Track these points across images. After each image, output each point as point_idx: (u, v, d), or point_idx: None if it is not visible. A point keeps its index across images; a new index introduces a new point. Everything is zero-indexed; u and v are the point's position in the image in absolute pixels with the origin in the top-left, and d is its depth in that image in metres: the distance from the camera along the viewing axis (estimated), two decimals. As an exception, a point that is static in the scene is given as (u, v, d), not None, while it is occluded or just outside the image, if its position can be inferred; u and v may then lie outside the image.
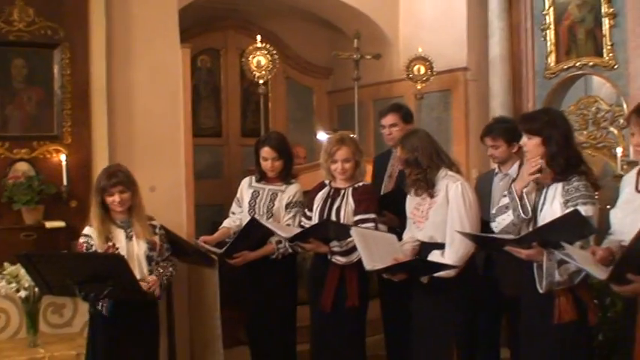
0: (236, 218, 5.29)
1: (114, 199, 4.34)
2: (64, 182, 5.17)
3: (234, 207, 5.36)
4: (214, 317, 5.36)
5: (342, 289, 4.66)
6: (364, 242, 4.28)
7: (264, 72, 6.82)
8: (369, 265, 4.22)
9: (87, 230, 4.39)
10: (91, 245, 4.33)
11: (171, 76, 5.80)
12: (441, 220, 4.29)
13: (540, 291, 3.83)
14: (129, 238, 4.42)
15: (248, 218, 5.08)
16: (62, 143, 5.30)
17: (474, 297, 4.43)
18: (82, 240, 4.37)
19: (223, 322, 5.34)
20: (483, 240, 4.14)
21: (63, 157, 5.23)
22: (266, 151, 5.13)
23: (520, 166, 4.99)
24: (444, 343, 4.31)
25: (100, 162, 5.33)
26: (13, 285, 4.73)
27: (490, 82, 7.23)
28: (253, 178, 5.30)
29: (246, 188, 5.29)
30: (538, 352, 3.98)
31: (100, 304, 4.15)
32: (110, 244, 4.35)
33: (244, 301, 5.34)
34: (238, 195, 5.34)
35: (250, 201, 5.19)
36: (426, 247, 4.36)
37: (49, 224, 5.06)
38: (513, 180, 4.53)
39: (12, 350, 4.79)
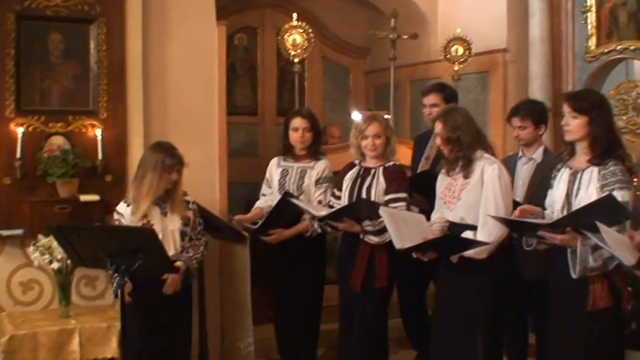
0: (267, 199, 5.31)
1: (172, 177, 4.42)
2: (99, 156, 5.20)
3: (264, 188, 5.38)
4: (245, 293, 5.42)
5: (371, 270, 4.66)
6: (393, 222, 4.27)
7: (299, 50, 6.79)
8: (398, 243, 4.21)
9: (120, 208, 4.43)
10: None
11: (207, 54, 5.79)
12: (474, 202, 4.25)
13: (574, 276, 3.80)
14: (164, 214, 4.46)
15: (278, 197, 5.11)
16: (98, 118, 5.31)
17: (502, 281, 4.40)
18: (115, 217, 4.43)
19: (252, 299, 5.39)
20: (517, 224, 4.08)
21: (98, 132, 5.25)
22: (298, 121, 5.14)
23: (545, 151, 4.94)
24: (471, 328, 4.30)
25: (135, 137, 5.39)
26: (47, 257, 4.82)
27: (529, 64, 7.15)
28: (281, 158, 5.31)
29: (274, 168, 5.31)
30: (569, 339, 3.96)
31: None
32: (145, 221, 4.39)
33: (272, 279, 5.39)
34: (267, 175, 5.35)
35: (280, 179, 5.21)
36: (455, 228, 4.33)
37: (83, 198, 5.08)
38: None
39: (44, 321, 4.88)
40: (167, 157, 4.39)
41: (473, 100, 7.41)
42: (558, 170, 4.10)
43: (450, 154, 4.36)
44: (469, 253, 4.19)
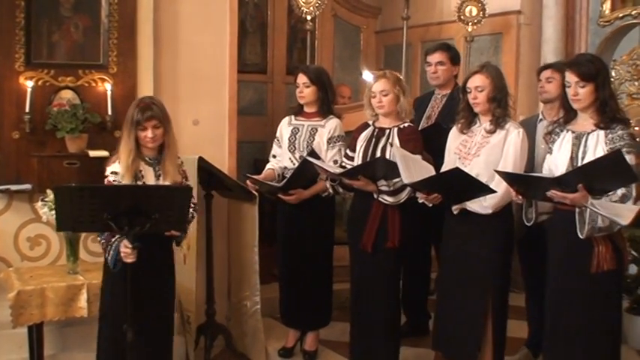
0: (278, 160, 5.27)
1: (146, 135, 4.06)
2: (109, 112, 5.15)
3: (274, 149, 5.33)
4: (252, 252, 5.37)
5: (383, 230, 4.63)
6: (405, 161, 4.28)
7: (311, 7, 6.70)
8: (407, 179, 4.22)
9: (114, 167, 4.12)
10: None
11: (219, 9, 5.73)
12: (493, 161, 4.24)
13: (581, 236, 3.81)
14: (157, 176, 4.20)
15: (288, 156, 5.13)
16: (108, 72, 5.27)
17: (511, 237, 4.42)
18: (110, 178, 4.11)
19: (259, 258, 5.36)
20: (522, 179, 4.05)
21: (108, 87, 5.20)
22: (298, 77, 5.12)
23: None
24: (483, 284, 4.33)
25: (145, 93, 5.29)
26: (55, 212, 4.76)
27: (543, 26, 7.06)
28: (292, 117, 5.26)
29: (285, 126, 5.27)
30: (569, 301, 3.99)
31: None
32: (140, 183, 4.14)
33: (279, 239, 5.36)
34: (278, 134, 5.31)
35: (290, 137, 5.18)
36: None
37: (92, 153, 5.04)
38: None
39: (52, 276, 4.86)
40: (136, 112, 4.07)
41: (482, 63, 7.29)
42: (557, 134, 4.10)
43: (494, 110, 4.32)
44: (473, 207, 4.21)
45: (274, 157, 5.32)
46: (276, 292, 5.50)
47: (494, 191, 4.10)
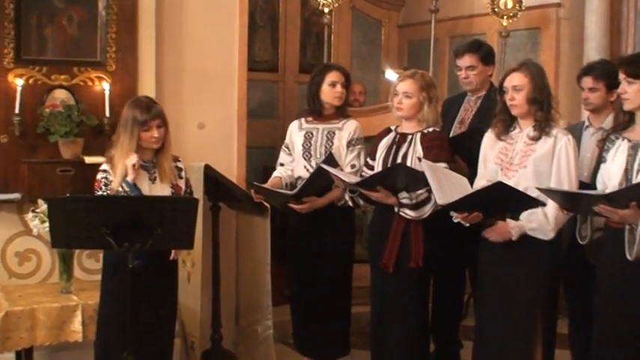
0: (287, 168, 5.23)
1: (152, 135, 4.21)
2: (107, 114, 5.12)
3: (282, 157, 5.29)
4: (264, 271, 5.39)
5: (405, 248, 4.60)
6: (436, 176, 4.21)
7: (330, -1, 6.70)
8: (441, 199, 4.15)
9: (105, 166, 4.26)
10: (110, 181, 4.20)
11: (227, 1, 5.74)
12: (543, 172, 4.17)
13: (629, 258, 3.80)
14: (152, 180, 4.28)
15: (302, 164, 5.08)
16: (105, 70, 5.26)
17: (559, 263, 4.37)
18: (99, 176, 4.21)
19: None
20: (569, 196, 4.01)
21: (106, 86, 5.18)
22: (335, 75, 5.07)
23: (616, 117, 4.83)
24: (530, 311, 4.25)
25: (147, 92, 5.23)
26: (47, 224, 4.73)
27: (585, 21, 7.06)
28: (302, 120, 5.22)
29: (296, 132, 5.22)
30: (619, 330, 3.96)
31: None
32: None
33: (292, 256, 5.32)
34: (287, 141, 5.27)
35: (304, 143, 5.14)
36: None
37: (88, 159, 5.00)
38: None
39: (43, 296, 4.85)
40: (140, 112, 4.19)
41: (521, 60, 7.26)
42: (613, 142, 4.06)
43: (524, 114, 4.27)
44: (536, 234, 4.13)
45: (282, 165, 5.28)
46: (288, 315, 5.46)
47: (544, 204, 4.04)
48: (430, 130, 4.65)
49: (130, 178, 4.16)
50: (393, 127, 4.79)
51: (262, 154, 7.66)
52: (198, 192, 4.94)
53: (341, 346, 5.23)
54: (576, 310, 4.97)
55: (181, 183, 4.41)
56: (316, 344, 5.23)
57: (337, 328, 5.18)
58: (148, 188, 4.29)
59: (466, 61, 5.32)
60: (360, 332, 5.56)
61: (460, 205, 4.14)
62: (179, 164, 4.45)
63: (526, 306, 4.25)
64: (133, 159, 4.14)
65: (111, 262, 4.27)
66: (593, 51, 6.92)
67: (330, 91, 5.06)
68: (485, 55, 5.35)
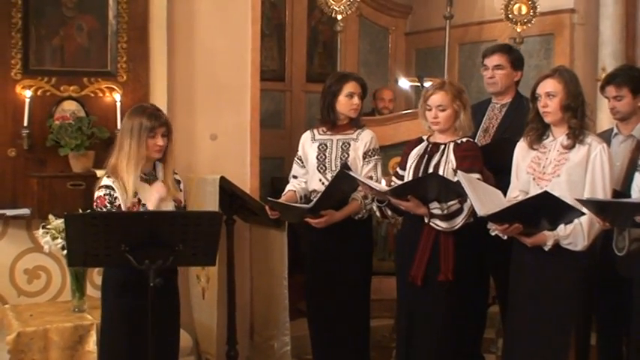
0: (300, 181, 5.09)
1: (156, 142, 4.02)
2: (118, 125, 5.00)
3: (295, 169, 5.14)
4: (280, 285, 5.34)
5: (434, 260, 4.48)
6: (472, 188, 4.11)
7: (342, 6, 6.57)
8: (481, 210, 4.04)
9: (107, 181, 4.00)
10: (115, 198, 3.97)
11: (239, 8, 5.67)
12: (577, 181, 4.08)
13: None
14: None
15: (317, 177, 4.94)
16: (116, 81, 5.22)
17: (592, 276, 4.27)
18: (101, 192, 3.97)
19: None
20: (609, 206, 3.91)
21: (117, 97, 5.13)
22: (352, 86, 4.91)
23: None
24: (563, 325, 4.16)
25: (158, 103, 5.05)
26: (59, 241, 4.62)
27: (600, 26, 7.02)
28: (315, 131, 5.08)
29: (309, 144, 5.07)
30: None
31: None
32: (135, 199, 4.01)
33: (308, 267, 5.15)
34: (300, 153, 5.12)
35: (319, 156, 4.98)
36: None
37: (100, 172, 4.83)
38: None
39: (55, 315, 4.74)
40: (146, 119, 4.02)
41: (534, 67, 7.24)
42: None
43: (557, 122, 4.18)
44: (569, 246, 4.03)
45: (295, 177, 5.14)
46: (305, 329, 5.31)
47: (584, 214, 3.93)
48: (464, 140, 4.57)
49: (150, 205, 4.01)
50: (425, 137, 4.69)
51: (270, 165, 7.57)
52: (214, 205, 4.87)
53: None
54: (605, 322, 4.87)
55: (181, 196, 4.25)
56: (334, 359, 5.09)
57: (357, 343, 5.04)
58: (152, 202, 4.11)
59: (495, 60, 5.22)
60: (377, 346, 5.50)
61: (502, 216, 4.03)
62: (177, 176, 4.29)
63: (558, 319, 4.16)
64: (162, 191, 4.01)
65: (116, 282, 4.06)
66: (609, 57, 6.90)
67: (347, 103, 4.93)
68: (515, 58, 5.27)
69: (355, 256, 4.95)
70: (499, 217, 4.02)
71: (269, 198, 5.02)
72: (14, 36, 4.98)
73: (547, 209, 3.96)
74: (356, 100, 4.90)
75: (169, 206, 4.15)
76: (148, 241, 3.64)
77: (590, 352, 4.44)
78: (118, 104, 5.09)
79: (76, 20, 5.15)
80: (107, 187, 3.97)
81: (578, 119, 4.13)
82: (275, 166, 7.68)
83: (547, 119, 4.20)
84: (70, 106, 5.11)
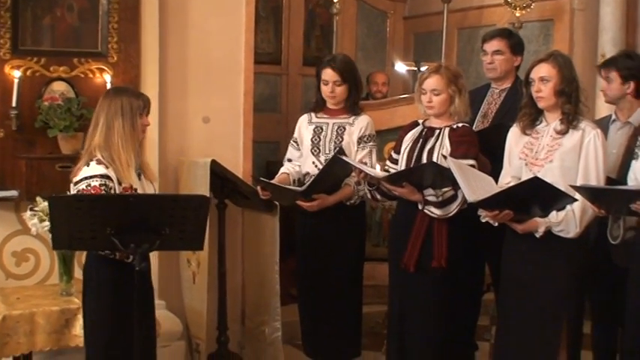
0: (295, 164, 5.09)
1: (144, 122, 4.00)
2: (109, 107, 4.97)
3: (290, 151, 5.14)
4: (272, 270, 5.28)
5: (428, 247, 4.46)
6: (463, 174, 4.09)
7: (341, -11, 6.54)
8: (471, 196, 4.02)
9: (100, 170, 3.84)
10: (110, 189, 3.86)
11: (233, -12, 5.63)
12: (570, 167, 4.04)
13: None
14: (138, 177, 4.05)
15: (311, 160, 4.93)
16: (107, 61, 5.15)
17: (585, 264, 4.23)
18: (96, 182, 3.82)
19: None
20: (604, 193, 3.89)
21: (107, 78, 5.08)
22: (327, 73, 4.89)
23: None
24: (554, 315, 4.12)
25: (150, 85, 5.21)
26: (47, 223, 4.55)
27: (601, 12, 6.97)
28: (313, 114, 5.07)
29: (305, 126, 5.06)
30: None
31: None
32: (127, 185, 3.92)
33: (299, 252, 5.15)
34: (296, 135, 5.12)
35: (313, 138, 4.97)
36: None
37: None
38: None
39: (43, 298, 4.69)
40: (134, 98, 3.97)
41: (533, 53, 7.10)
42: None
43: (551, 107, 4.15)
44: (560, 233, 4.01)
45: (289, 160, 5.14)
46: (296, 315, 5.32)
47: (576, 200, 3.91)
48: (459, 125, 4.53)
49: None
50: (420, 121, 4.67)
51: (265, 149, 7.60)
52: (204, 189, 4.84)
53: (352, 347, 5.08)
54: (600, 311, 4.89)
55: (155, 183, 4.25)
56: (326, 346, 5.08)
57: (348, 329, 5.04)
58: (140, 187, 4.05)
59: (494, 45, 5.18)
60: (370, 333, 5.50)
61: (492, 202, 4.01)
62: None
63: (550, 306, 4.14)
64: None
65: (109, 278, 3.99)
66: (608, 44, 6.86)
67: (323, 89, 4.95)
68: (514, 43, 5.22)
69: (347, 242, 4.95)
70: (489, 203, 3.99)
71: (261, 178, 4.99)
72: (3, 15, 4.90)
73: (537, 195, 3.93)
74: (330, 87, 4.87)
75: (150, 188, 4.14)
76: (134, 225, 3.56)
77: (583, 341, 4.38)
78: (109, 85, 5.02)
79: (66, 0, 5.09)
80: (102, 176, 3.85)
81: (572, 105, 4.09)
82: (270, 151, 7.68)
83: (540, 104, 4.16)
84: (59, 87, 5.06)
